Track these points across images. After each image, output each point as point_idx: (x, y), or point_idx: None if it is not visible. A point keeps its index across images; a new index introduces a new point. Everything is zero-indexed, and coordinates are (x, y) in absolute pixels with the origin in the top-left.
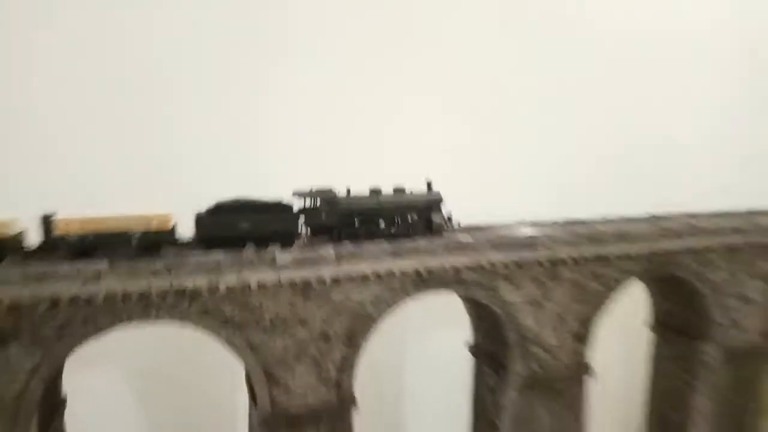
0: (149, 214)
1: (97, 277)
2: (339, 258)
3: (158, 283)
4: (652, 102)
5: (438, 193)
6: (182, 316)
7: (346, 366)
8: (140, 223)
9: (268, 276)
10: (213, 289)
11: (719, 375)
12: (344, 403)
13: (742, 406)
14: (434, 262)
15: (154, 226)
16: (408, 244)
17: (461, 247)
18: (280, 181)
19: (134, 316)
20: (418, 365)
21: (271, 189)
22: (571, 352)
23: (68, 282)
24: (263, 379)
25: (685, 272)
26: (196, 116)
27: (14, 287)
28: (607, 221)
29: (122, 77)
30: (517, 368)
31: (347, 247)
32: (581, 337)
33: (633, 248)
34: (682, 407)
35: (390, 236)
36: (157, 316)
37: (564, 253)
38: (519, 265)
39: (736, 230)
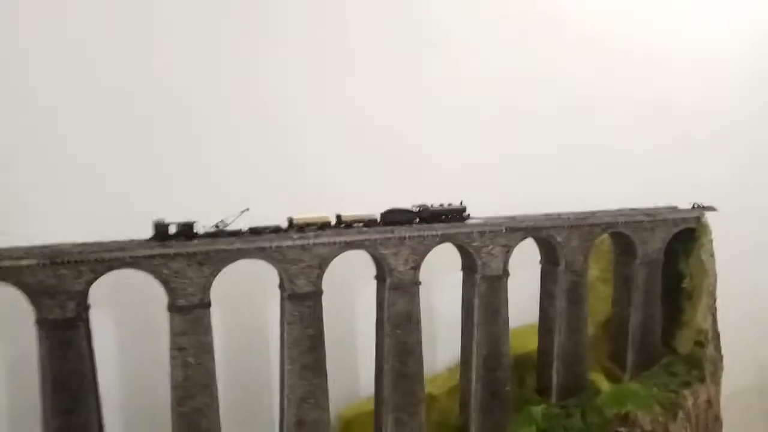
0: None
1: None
2: (314, 236)
3: (258, 244)
4: None
5: (464, 206)
6: (260, 257)
7: (319, 277)
8: (325, 219)
9: (288, 242)
10: (272, 247)
11: (482, 288)
12: (317, 290)
13: (492, 301)
14: (352, 238)
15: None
16: (346, 229)
17: (361, 231)
18: (405, 197)
19: (232, 259)
20: (363, 290)
21: (402, 202)
22: (411, 274)
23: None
24: (288, 281)
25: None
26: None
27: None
28: None
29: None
30: (388, 281)
31: (311, 232)
32: (415, 267)
33: (435, 231)
34: (471, 307)
35: (442, 222)
36: (246, 257)
37: (405, 233)
38: (385, 239)
39: (483, 224)
